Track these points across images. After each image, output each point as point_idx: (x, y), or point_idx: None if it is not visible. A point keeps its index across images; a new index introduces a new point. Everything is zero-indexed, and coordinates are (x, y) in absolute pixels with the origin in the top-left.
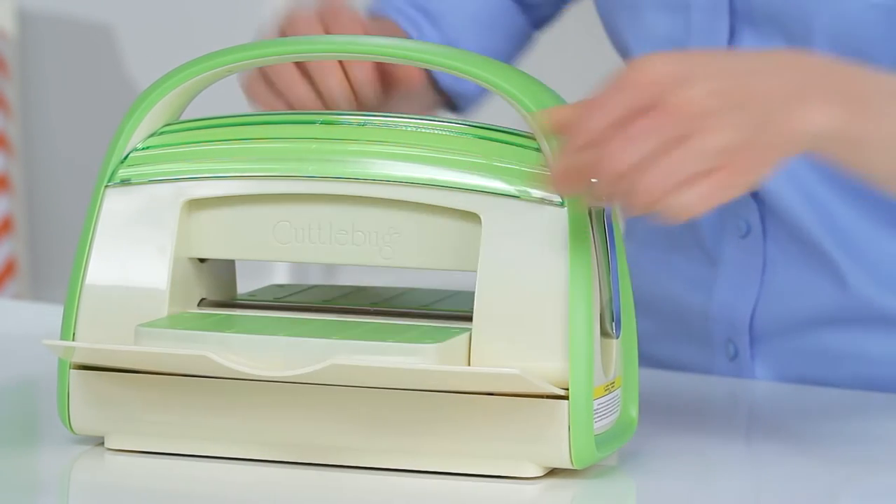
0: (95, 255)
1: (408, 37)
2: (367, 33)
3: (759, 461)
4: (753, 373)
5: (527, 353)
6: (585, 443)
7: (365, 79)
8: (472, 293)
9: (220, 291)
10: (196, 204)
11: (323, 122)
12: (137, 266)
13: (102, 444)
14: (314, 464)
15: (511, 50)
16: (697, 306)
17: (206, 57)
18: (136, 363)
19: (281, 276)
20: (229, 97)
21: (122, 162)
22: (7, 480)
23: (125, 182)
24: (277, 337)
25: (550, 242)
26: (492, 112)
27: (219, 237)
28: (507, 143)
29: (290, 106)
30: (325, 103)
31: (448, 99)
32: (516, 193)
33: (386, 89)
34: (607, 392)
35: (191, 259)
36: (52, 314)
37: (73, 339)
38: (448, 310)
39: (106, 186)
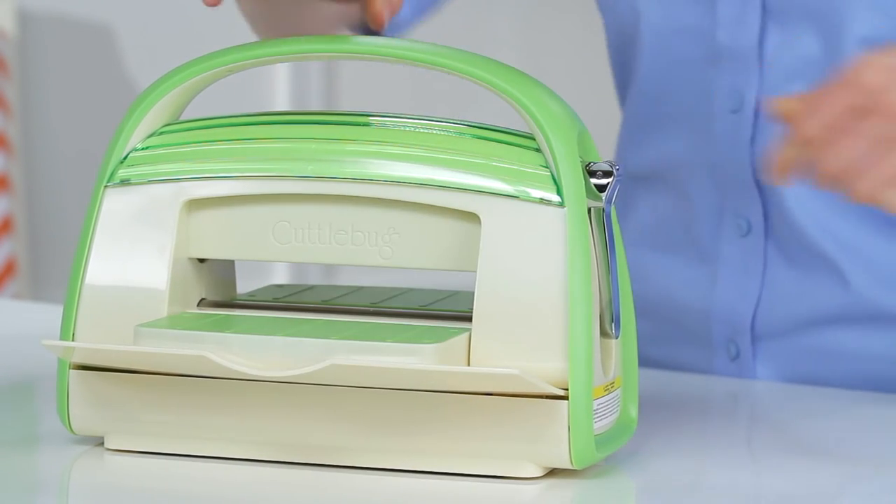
0: (95, 255)
1: None
2: None
3: (760, 461)
4: (755, 373)
5: (526, 353)
6: (585, 443)
7: None
8: (472, 293)
9: (219, 291)
10: (196, 204)
11: (323, 122)
12: (137, 266)
13: (102, 444)
14: (313, 464)
15: None
16: (697, 307)
17: (206, 57)
18: (136, 363)
19: (280, 276)
20: (229, 97)
21: (121, 162)
22: (7, 480)
23: (125, 182)
24: (276, 337)
25: (550, 242)
26: (492, 112)
27: (218, 237)
28: (506, 143)
29: None
30: None
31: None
32: (515, 193)
33: None
34: (607, 392)
35: (190, 259)
36: (51, 314)
37: (73, 339)
38: (447, 310)
39: (105, 186)
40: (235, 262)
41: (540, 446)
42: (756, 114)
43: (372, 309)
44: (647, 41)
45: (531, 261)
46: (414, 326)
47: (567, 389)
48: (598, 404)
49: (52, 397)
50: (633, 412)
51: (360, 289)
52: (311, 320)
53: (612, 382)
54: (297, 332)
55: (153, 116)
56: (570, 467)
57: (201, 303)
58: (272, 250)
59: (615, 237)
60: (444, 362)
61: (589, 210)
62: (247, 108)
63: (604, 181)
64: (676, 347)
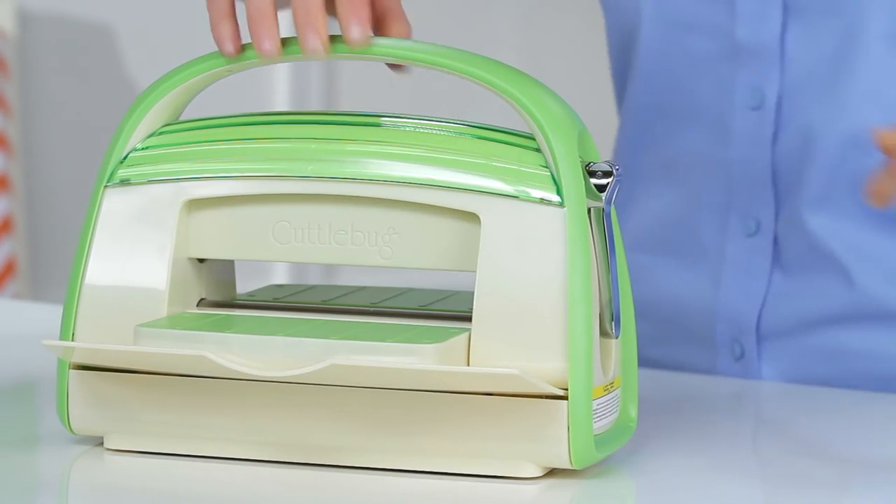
0: (95, 255)
1: None
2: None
3: (760, 461)
4: (760, 373)
5: (526, 353)
6: (585, 443)
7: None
8: (472, 293)
9: (219, 291)
10: (195, 204)
11: (323, 122)
12: (137, 266)
13: (102, 444)
14: (313, 464)
15: None
16: (700, 307)
17: (206, 57)
18: (136, 363)
19: (280, 276)
20: (229, 97)
21: (121, 162)
22: (7, 480)
23: (125, 182)
24: (276, 337)
25: (550, 242)
26: (492, 112)
27: (218, 237)
28: (506, 143)
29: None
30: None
31: None
32: (515, 193)
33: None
34: (607, 392)
35: (190, 259)
36: (51, 314)
37: (73, 339)
38: (447, 310)
39: (105, 186)
40: (235, 262)
41: (540, 446)
42: (778, 111)
43: (372, 309)
44: (653, 37)
45: (531, 261)
46: (414, 326)
47: (567, 389)
48: (598, 404)
49: (52, 397)
50: (633, 412)
51: (360, 289)
52: (312, 320)
53: (612, 382)
54: (297, 332)
55: (153, 116)
56: (569, 467)
57: (201, 303)
58: (272, 250)
59: (615, 237)
60: (444, 362)
61: (589, 210)
62: (247, 108)
63: (604, 181)
64: (679, 348)
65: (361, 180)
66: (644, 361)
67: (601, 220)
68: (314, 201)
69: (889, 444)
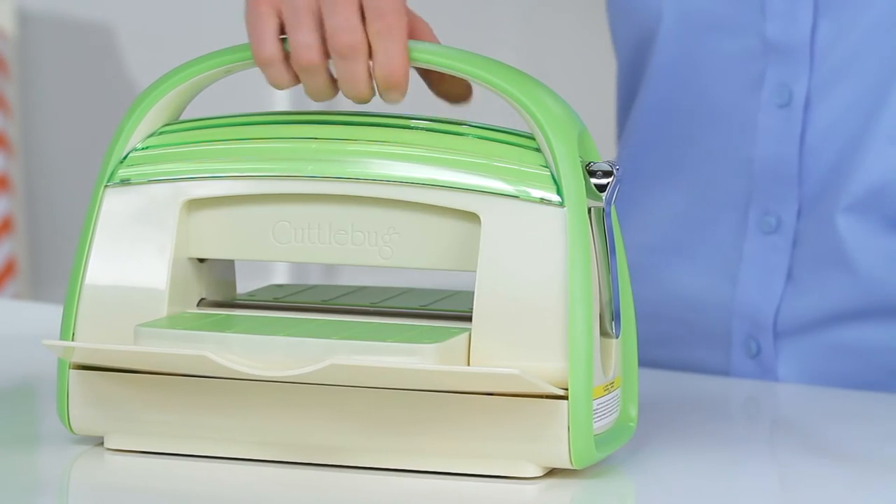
0: (95, 255)
1: None
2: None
3: (761, 460)
4: (776, 369)
5: (526, 352)
6: (585, 443)
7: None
8: (472, 293)
9: (219, 291)
10: (195, 204)
11: (323, 122)
12: (137, 266)
13: (102, 444)
14: (313, 464)
15: None
16: (714, 305)
17: (206, 57)
18: (136, 363)
19: (280, 276)
20: (229, 97)
21: (121, 162)
22: (7, 480)
23: (125, 182)
24: (276, 337)
25: (550, 242)
26: (492, 112)
27: (218, 237)
28: (506, 143)
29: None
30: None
31: None
32: (516, 193)
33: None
34: (607, 392)
35: (190, 259)
36: (51, 314)
37: (73, 339)
38: (447, 310)
39: (105, 186)
40: (235, 262)
41: (540, 446)
42: (806, 109)
43: (372, 309)
44: (673, 37)
45: (531, 261)
46: (414, 326)
47: (567, 389)
48: (598, 404)
49: (52, 397)
50: (633, 412)
51: (360, 289)
52: (312, 320)
53: (612, 382)
54: (297, 332)
55: (153, 116)
56: (569, 467)
57: (201, 303)
58: (272, 250)
59: (615, 237)
60: (445, 362)
61: (589, 210)
62: (247, 108)
63: (604, 181)
64: (692, 349)
65: (361, 180)
66: (656, 364)
67: (601, 219)
68: (314, 201)
69: None
